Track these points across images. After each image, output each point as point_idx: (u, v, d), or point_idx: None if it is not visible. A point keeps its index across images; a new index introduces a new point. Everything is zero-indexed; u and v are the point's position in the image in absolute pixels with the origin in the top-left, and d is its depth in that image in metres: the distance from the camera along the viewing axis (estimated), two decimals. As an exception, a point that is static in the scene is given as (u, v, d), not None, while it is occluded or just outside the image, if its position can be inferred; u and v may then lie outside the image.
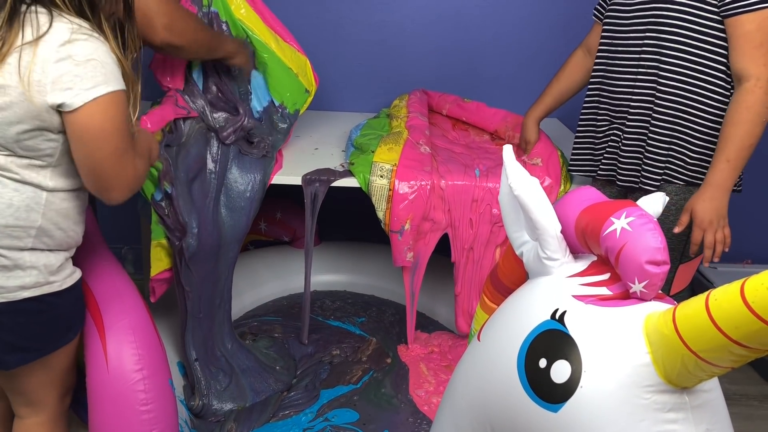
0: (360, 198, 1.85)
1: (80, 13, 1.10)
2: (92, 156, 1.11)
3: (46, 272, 1.16)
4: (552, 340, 0.80)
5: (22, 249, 1.12)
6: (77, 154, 1.12)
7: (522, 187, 0.88)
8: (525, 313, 0.87)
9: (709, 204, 1.42)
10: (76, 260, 1.27)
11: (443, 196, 1.85)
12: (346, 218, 2.40)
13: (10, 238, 1.11)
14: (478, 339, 0.96)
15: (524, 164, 1.91)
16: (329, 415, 1.75)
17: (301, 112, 1.98)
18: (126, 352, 1.34)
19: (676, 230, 1.48)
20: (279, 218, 2.43)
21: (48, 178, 1.14)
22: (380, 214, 1.85)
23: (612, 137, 1.64)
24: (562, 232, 0.88)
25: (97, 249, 1.53)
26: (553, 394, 0.78)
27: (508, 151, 0.93)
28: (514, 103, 2.30)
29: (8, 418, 1.41)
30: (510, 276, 1.02)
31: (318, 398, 1.81)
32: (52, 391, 1.31)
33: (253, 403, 1.79)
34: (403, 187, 1.82)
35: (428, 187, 1.82)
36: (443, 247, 1.92)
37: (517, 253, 0.95)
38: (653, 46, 1.51)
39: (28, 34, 1.05)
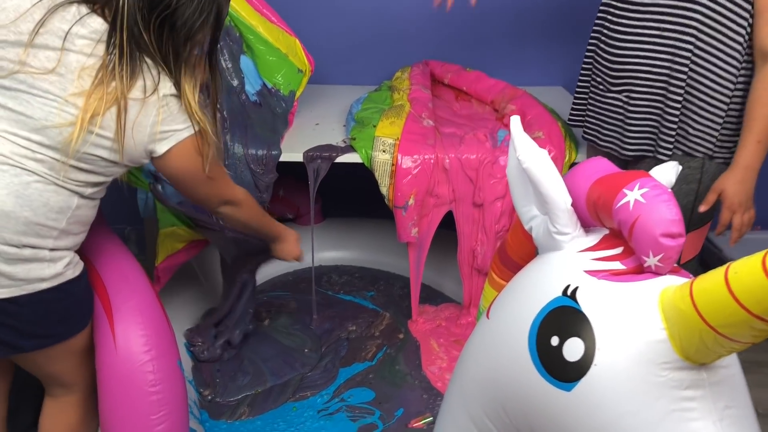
0: (363, 173, 1.82)
1: (169, 70, 1.21)
2: (189, 191, 1.35)
3: (63, 265, 1.19)
4: (564, 317, 0.78)
5: (43, 247, 1.15)
6: (180, 190, 1.38)
7: (531, 159, 0.85)
8: (535, 289, 0.85)
9: (741, 186, 1.40)
10: (83, 243, 1.28)
11: (447, 170, 1.82)
12: (350, 194, 2.37)
13: (37, 236, 1.14)
14: (488, 317, 0.93)
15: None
16: (345, 395, 1.77)
17: (298, 93, 1.94)
18: (134, 333, 1.32)
19: (702, 209, 1.45)
20: (282, 195, 2.40)
21: (89, 189, 1.20)
22: (384, 190, 1.83)
23: (613, 104, 1.58)
24: (572, 205, 0.85)
25: (102, 231, 1.51)
26: (566, 373, 0.76)
27: (515, 122, 0.89)
28: (517, 75, 2.25)
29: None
30: (518, 251, 1.00)
31: (336, 378, 1.83)
32: (82, 371, 1.34)
33: (273, 385, 1.79)
34: (406, 162, 1.79)
35: (432, 161, 1.79)
36: (448, 221, 1.89)
37: (526, 228, 0.92)
38: (676, 16, 1.44)
39: (141, 86, 1.15)
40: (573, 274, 0.81)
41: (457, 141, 1.86)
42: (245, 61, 1.85)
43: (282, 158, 1.80)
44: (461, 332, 1.98)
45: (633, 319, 0.74)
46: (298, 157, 1.81)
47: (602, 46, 1.57)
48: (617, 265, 0.80)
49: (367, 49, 2.39)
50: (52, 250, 1.17)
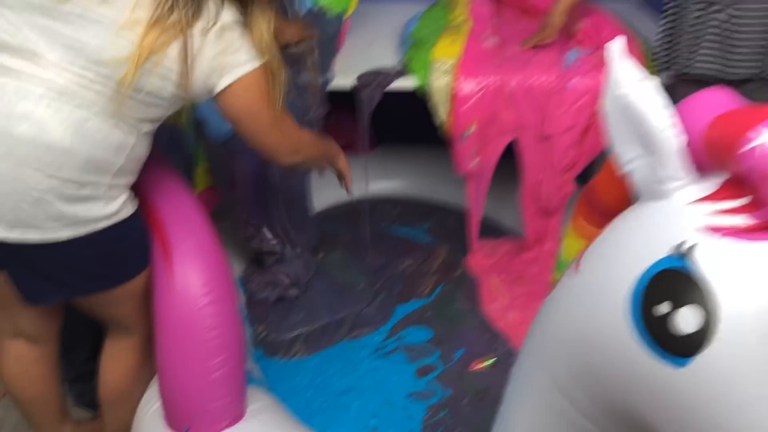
0: (418, 97, 1.69)
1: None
2: (255, 134, 1.21)
3: (121, 200, 1.16)
4: (676, 281, 0.66)
5: (101, 184, 1.11)
6: (244, 134, 1.22)
7: (635, 89, 0.71)
8: (638, 245, 0.72)
9: None
10: (142, 178, 1.23)
11: (512, 95, 1.66)
12: (403, 120, 2.23)
13: (97, 172, 1.10)
14: (577, 268, 0.82)
15: (601, 58, 1.69)
16: (402, 333, 1.71)
17: (349, 12, 1.78)
18: (192, 275, 1.26)
19: None
20: (333, 123, 2.29)
21: (147, 125, 1.15)
22: (441, 117, 1.69)
23: (715, 19, 1.39)
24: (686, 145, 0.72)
25: (161, 166, 1.44)
26: (678, 346, 0.65)
27: (616, 46, 0.75)
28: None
29: (50, 359, 1.42)
30: (611, 194, 0.87)
31: (392, 315, 1.76)
32: (142, 314, 1.31)
33: (327, 322, 1.74)
34: (467, 86, 1.64)
35: (496, 84, 1.64)
36: (508, 150, 1.76)
37: (624, 170, 0.79)
38: None
39: (205, 17, 1.07)
40: (686, 230, 0.68)
41: (522, 63, 1.70)
42: None
43: (333, 84, 1.68)
44: (522, 268, 1.89)
45: (764, 287, 0.62)
46: (349, 83, 1.69)
47: None
48: (743, 220, 0.67)
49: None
50: (109, 187, 1.12)
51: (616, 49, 0.75)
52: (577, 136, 1.70)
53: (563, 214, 1.83)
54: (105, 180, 1.11)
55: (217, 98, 1.15)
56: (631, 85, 0.71)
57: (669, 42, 1.54)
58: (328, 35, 1.74)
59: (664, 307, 0.66)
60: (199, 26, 1.07)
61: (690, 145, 0.73)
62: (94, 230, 1.12)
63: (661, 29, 1.56)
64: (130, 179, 1.18)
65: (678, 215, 0.71)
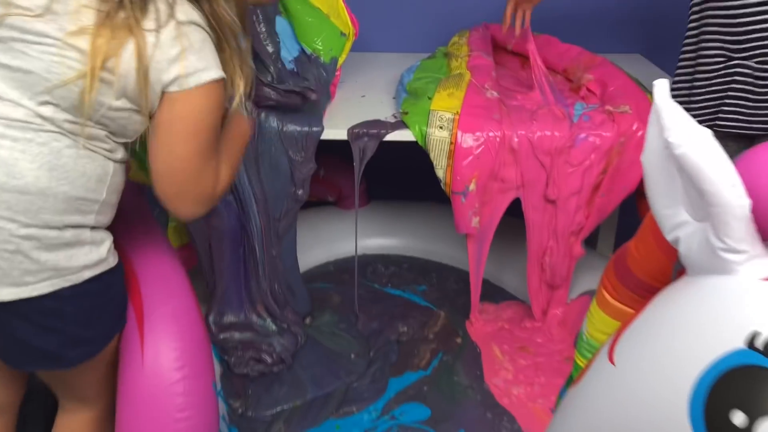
0: (413, 151, 1.58)
1: None
2: (174, 150, 1.00)
3: (103, 247, 1.05)
4: (751, 383, 0.52)
5: (85, 225, 1.01)
6: (158, 146, 1.01)
7: (689, 142, 0.58)
8: (695, 334, 0.58)
9: None
10: (117, 228, 1.10)
11: (515, 150, 1.55)
12: (398, 174, 2.13)
13: (79, 213, 0.99)
14: (610, 361, 0.67)
15: (609, 114, 1.59)
16: (396, 411, 1.54)
17: (341, 60, 1.70)
18: (166, 345, 1.13)
19: None
20: (323, 176, 2.18)
21: (120, 152, 1.04)
22: (440, 173, 1.58)
23: (739, 72, 1.29)
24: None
25: (141, 216, 1.33)
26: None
27: (661, 88, 0.62)
28: (591, 40, 1.95)
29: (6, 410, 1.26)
30: (647, 267, 0.74)
31: (386, 390, 1.60)
32: (105, 385, 1.18)
33: (314, 397, 1.57)
34: (467, 140, 1.53)
35: (497, 139, 1.53)
36: (512, 207, 1.64)
37: (669, 238, 0.66)
38: None
39: (154, 12, 0.96)
40: (760, 316, 0.55)
41: (527, 116, 1.59)
42: (281, 23, 1.62)
43: (323, 136, 1.58)
44: (527, 337, 1.74)
45: None
46: (341, 135, 1.58)
47: (716, 12, 1.28)
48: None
49: (418, 10, 2.13)
50: (93, 228, 1.02)
51: (662, 92, 0.62)
52: (585, 199, 1.59)
53: (570, 282, 1.71)
54: (89, 219, 1.00)
55: (160, 104, 0.99)
56: (685, 134, 0.58)
57: (686, 96, 1.43)
58: (322, 81, 1.66)
59: (737, 417, 0.52)
60: (150, 24, 0.95)
61: (756, 209, 0.59)
62: (80, 281, 1.00)
63: (676, 84, 1.45)
64: (111, 215, 1.06)
65: (748, 295, 0.57)
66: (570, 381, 0.89)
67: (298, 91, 1.50)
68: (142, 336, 1.13)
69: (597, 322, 0.83)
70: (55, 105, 0.95)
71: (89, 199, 1.00)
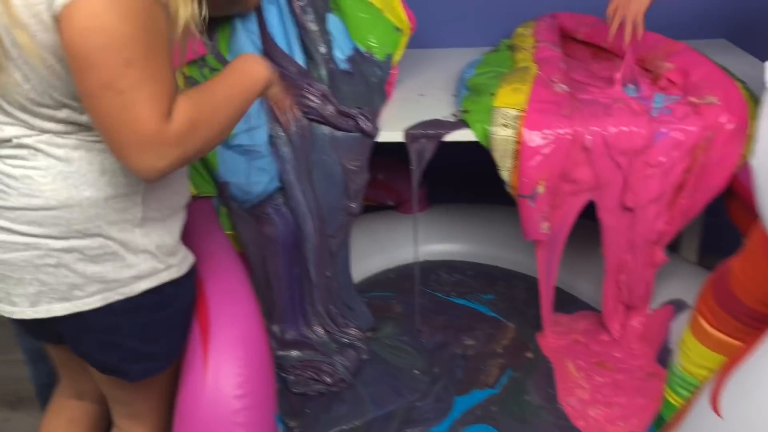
0: (477, 150, 1.49)
1: None
2: (90, 77, 0.79)
3: (161, 254, 0.98)
4: None
5: (132, 226, 0.94)
6: (77, 82, 0.81)
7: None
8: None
9: None
10: (190, 242, 1.08)
11: (588, 149, 1.42)
12: (461, 175, 2.05)
13: (116, 213, 0.92)
14: (715, 410, 0.55)
15: (693, 106, 1.44)
16: (463, 432, 1.46)
17: (396, 57, 1.64)
18: (229, 371, 1.09)
19: None
20: (381, 179, 2.11)
21: (85, 133, 0.92)
22: (505, 174, 1.48)
23: None
24: None
25: (211, 232, 1.30)
26: None
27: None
28: (670, 25, 1.79)
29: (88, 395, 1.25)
30: (756, 290, 0.61)
31: (451, 409, 1.51)
32: (162, 402, 1.14)
33: (374, 417, 1.50)
34: (534, 139, 1.42)
35: (568, 137, 1.40)
36: (585, 208, 1.51)
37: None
38: None
39: None
40: None
41: (601, 110, 1.46)
42: (333, 21, 1.57)
43: (380, 138, 1.51)
44: (604, 351, 1.61)
45: None
46: (398, 137, 1.51)
47: None
48: None
49: (479, 1, 2.04)
50: (142, 227, 0.95)
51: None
52: (666, 203, 1.45)
53: (649, 301, 1.59)
54: (133, 217, 0.94)
55: (60, 35, 0.79)
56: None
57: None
58: (377, 80, 1.60)
59: None
60: None
61: None
62: (132, 294, 0.96)
63: None
64: (166, 209, 0.98)
65: None
66: (660, 421, 0.77)
67: (353, 115, 1.46)
68: (206, 357, 1.09)
69: (693, 355, 0.71)
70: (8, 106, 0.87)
71: (122, 195, 0.93)
